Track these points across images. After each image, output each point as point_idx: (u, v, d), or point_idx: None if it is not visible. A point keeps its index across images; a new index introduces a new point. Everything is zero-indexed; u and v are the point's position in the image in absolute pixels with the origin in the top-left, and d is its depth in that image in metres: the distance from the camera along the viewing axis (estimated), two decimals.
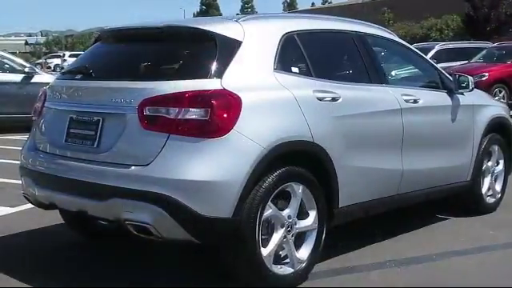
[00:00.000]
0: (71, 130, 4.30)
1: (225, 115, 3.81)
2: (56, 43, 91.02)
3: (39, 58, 66.22)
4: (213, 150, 3.79)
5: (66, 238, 5.39)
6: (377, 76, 5.08)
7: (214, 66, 3.99)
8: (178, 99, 3.82)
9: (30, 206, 6.44)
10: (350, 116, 4.59)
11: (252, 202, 3.88)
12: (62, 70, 4.82)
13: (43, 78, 12.95)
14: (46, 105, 4.59)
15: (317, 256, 4.41)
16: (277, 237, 4.13)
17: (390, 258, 4.79)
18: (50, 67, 46.70)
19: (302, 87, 4.34)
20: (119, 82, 4.08)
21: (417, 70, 6.10)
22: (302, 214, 4.29)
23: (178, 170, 3.75)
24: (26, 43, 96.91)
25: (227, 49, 4.09)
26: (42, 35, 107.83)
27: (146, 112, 3.87)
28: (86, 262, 4.87)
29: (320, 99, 4.40)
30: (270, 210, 4.06)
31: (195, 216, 3.74)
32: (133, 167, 3.85)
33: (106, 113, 4.08)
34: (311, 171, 4.28)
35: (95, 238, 5.26)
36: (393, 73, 5.86)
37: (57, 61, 53.20)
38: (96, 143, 4.10)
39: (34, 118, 4.79)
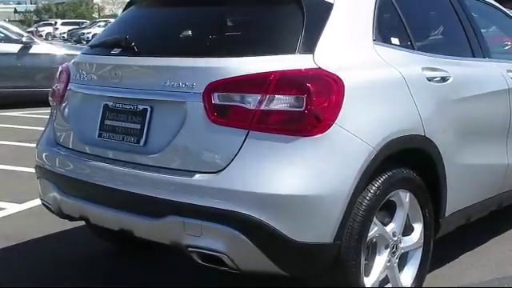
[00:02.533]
0: (107, 122, 3.26)
1: (325, 104, 2.79)
2: (46, 11, 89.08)
3: (29, 26, 64.53)
4: (310, 152, 2.77)
5: (93, 245, 4.40)
6: (479, 48, 4.07)
7: (301, 37, 2.95)
8: (261, 83, 2.80)
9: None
10: (460, 100, 3.60)
11: (355, 219, 2.90)
12: (90, 42, 3.68)
13: (42, 47, 11.88)
14: (70, 87, 3.53)
15: (423, 281, 3.44)
16: (381, 261, 3.16)
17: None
18: (41, 35, 45.16)
19: (408, 64, 3.33)
20: (175, 59, 3.04)
21: None
22: (406, 230, 3.31)
23: (262, 181, 2.75)
24: (16, 11, 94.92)
25: (316, 14, 3.05)
26: (31, 3, 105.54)
27: (215, 100, 2.84)
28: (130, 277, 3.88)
29: (430, 79, 3.39)
30: (376, 228, 3.08)
31: (286, 242, 2.75)
32: (197, 175, 2.84)
33: (156, 100, 3.05)
34: (419, 173, 3.29)
35: (128, 246, 4.25)
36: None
37: (48, 29, 51.57)
38: (143, 140, 3.08)
39: (52, 104, 3.74)
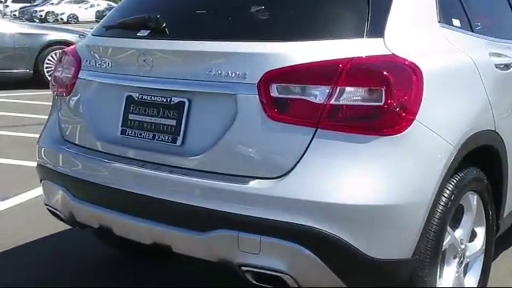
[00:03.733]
0: (131, 117, 2.78)
1: (405, 97, 2.38)
2: None
3: None
4: (389, 154, 2.36)
5: (94, 250, 3.93)
6: None
7: (368, 18, 2.52)
8: (329, 72, 2.36)
9: (28, 196, 5.05)
10: None
11: (431, 229, 2.52)
12: (104, 21, 3.15)
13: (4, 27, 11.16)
14: (80, 75, 3.01)
15: None
16: (450, 273, 2.81)
17: None
18: None
19: (475, 49, 2.95)
20: (221, 43, 2.57)
21: None
22: (471, 236, 2.95)
23: (333, 189, 2.32)
24: None
25: None
26: None
27: (274, 92, 2.40)
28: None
29: (496, 66, 3.00)
30: (449, 237, 2.71)
31: (361, 260, 2.35)
32: (254, 182, 2.40)
33: (196, 92, 2.59)
34: (485, 173, 2.92)
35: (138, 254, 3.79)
36: None
37: None
38: (180, 139, 2.61)
39: (56, 94, 3.23)
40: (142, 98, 2.76)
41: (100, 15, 37.13)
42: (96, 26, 3.26)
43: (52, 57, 11.37)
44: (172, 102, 2.65)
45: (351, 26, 2.52)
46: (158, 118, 2.69)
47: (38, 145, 3.24)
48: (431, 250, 2.52)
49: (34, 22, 32.79)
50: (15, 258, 3.93)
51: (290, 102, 2.39)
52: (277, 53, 2.43)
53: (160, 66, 2.68)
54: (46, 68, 11.41)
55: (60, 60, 3.24)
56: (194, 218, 2.49)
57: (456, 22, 3.01)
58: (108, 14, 3.19)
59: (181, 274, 3.68)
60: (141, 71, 2.71)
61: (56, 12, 40.59)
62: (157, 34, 2.70)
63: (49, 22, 34.51)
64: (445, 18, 2.89)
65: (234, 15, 2.69)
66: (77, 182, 2.90)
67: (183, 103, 2.62)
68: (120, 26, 2.92)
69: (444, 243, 2.64)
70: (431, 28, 2.76)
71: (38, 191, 5.13)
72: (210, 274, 3.32)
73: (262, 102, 2.40)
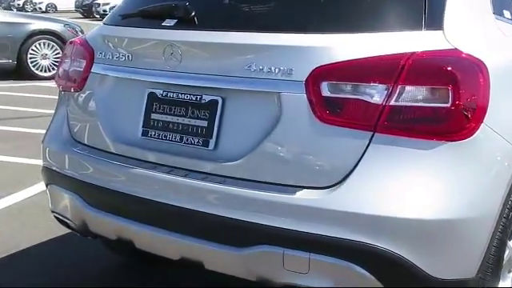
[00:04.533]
0: (154, 116, 2.49)
1: (474, 97, 2.11)
2: None
3: None
4: (457, 162, 2.09)
5: (97, 258, 3.63)
6: None
7: (426, 8, 2.24)
8: (389, 69, 2.09)
9: (21, 196, 4.73)
10: None
11: (493, 243, 2.26)
12: (119, 8, 2.82)
13: None
14: (94, 69, 2.71)
15: None
16: None
17: None
18: None
19: None
20: (262, 34, 2.28)
21: None
22: None
23: (393, 201, 2.05)
24: None
25: None
26: None
27: (325, 91, 2.12)
28: None
29: None
30: (507, 251, 2.45)
31: (424, 280, 2.09)
32: (301, 192, 2.13)
33: (231, 90, 2.30)
34: None
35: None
36: None
37: None
38: (212, 142, 2.33)
39: (63, 90, 2.92)
40: (166, 95, 2.46)
41: (80, 5, 36.53)
42: (109, 14, 2.94)
43: (36, 47, 10.96)
44: (203, 101, 2.36)
45: (407, 17, 2.25)
46: (186, 118, 2.40)
47: (44, 145, 2.93)
48: (493, 266, 2.27)
49: (12, 10, 32.07)
50: (12, 265, 3.61)
51: (342, 102, 2.12)
52: (328, 46, 2.15)
53: (190, 59, 2.38)
54: (30, 58, 11.01)
55: (67, 51, 2.93)
56: (231, 232, 2.21)
57: (507, 14, 2.75)
58: (122, 2, 2.87)
59: (181, 273, 3.44)
60: (167, 65, 2.41)
61: (34, 1, 39.82)
62: (185, 23, 2.41)
63: (27, 11, 33.77)
64: (497, 9, 2.63)
65: (278, 3, 2.40)
66: (92, 189, 2.60)
67: (216, 102, 2.33)
68: (141, 15, 2.62)
69: (505, 256, 2.40)
70: (488, 20, 2.50)
71: (32, 191, 4.84)
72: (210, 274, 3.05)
73: (310, 101, 2.13)
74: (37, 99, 8.62)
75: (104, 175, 2.58)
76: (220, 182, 2.25)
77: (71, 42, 2.94)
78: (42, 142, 2.98)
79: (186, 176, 2.33)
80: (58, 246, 3.87)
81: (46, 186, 2.92)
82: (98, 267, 3.63)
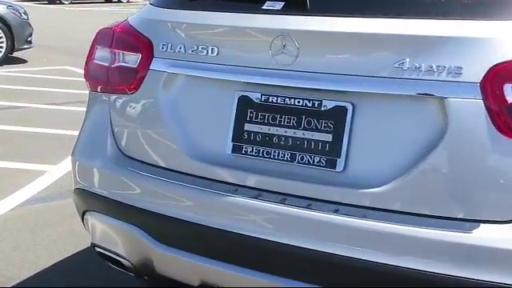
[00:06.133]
0: (249, 128, 1.93)
1: None
2: None
3: None
4: None
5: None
6: None
7: None
8: None
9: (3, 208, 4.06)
10: None
11: None
12: None
13: None
14: (154, 66, 2.10)
15: None
16: None
17: None
18: None
19: None
20: (415, 21, 1.74)
21: None
22: None
23: None
24: None
25: None
26: None
27: (510, 97, 1.61)
28: None
29: None
30: None
31: None
32: (477, 228, 1.62)
33: (367, 93, 1.75)
34: None
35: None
36: None
37: None
38: (341, 162, 1.80)
39: (100, 91, 2.30)
40: (267, 100, 1.90)
41: None
42: None
43: None
44: (324, 108, 1.82)
45: None
46: (298, 129, 1.85)
47: (77, 161, 2.31)
48: None
49: None
50: None
51: None
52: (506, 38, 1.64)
53: (309, 55, 1.83)
54: None
55: (103, 42, 2.30)
56: (382, 282, 1.69)
57: None
58: None
59: None
60: (274, 61, 1.86)
61: None
62: (301, 7, 1.84)
63: None
64: None
65: None
66: (161, 221, 2.02)
67: (343, 109, 1.79)
68: None
69: None
70: None
71: (14, 200, 4.16)
72: None
73: (489, 109, 1.62)
74: None
75: (179, 203, 2.00)
76: (361, 216, 1.71)
77: (113, 30, 2.32)
78: (73, 155, 2.36)
79: (308, 207, 1.78)
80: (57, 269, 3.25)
81: (83, 213, 2.30)
82: None
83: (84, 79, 2.44)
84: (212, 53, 1.97)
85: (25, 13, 10.39)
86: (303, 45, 1.81)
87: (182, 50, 2.04)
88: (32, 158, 5.09)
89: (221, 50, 1.96)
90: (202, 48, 1.99)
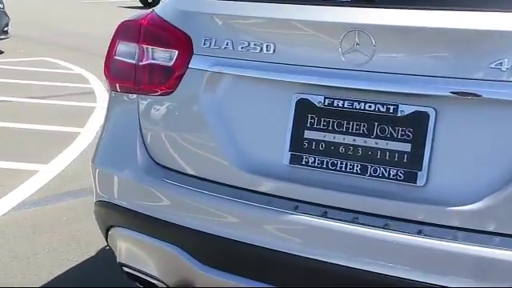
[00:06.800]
0: (310, 135, 1.70)
1: None
2: None
3: None
4: None
5: None
6: None
7: None
8: None
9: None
10: None
11: None
12: None
13: None
14: (193, 64, 1.86)
15: None
16: None
17: None
18: None
19: None
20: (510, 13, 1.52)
21: None
22: None
23: None
24: None
25: None
26: None
27: None
28: None
29: None
30: None
31: None
32: None
33: (448, 97, 1.53)
34: None
35: None
36: None
37: None
38: (423, 176, 1.59)
39: (125, 91, 2.05)
40: (331, 103, 1.67)
41: None
42: None
43: None
44: (400, 113, 1.60)
45: None
46: (370, 138, 1.63)
47: (98, 169, 2.06)
48: None
49: None
50: None
51: None
52: None
53: (387, 53, 1.59)
54: None
55: (128, 36, 2.05)
56: None
57: None
58: None
59: None
60: (342, 60, 1.63)
61: None
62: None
63: None
64: None
65: None
66: (207, 240, 1.78)
67: (425, 115, 1.57)
68: None
69: None
70: None
71: (7, 204, 3.88)
72: None
73: None
74: None
75: (227, 220, 1.76)
76: (451, 238, 1.50)
77: (132, 23, 2.06)
78: (93, 163, 2.10)
79: (386, 228, 1.56)
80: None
81: (108, 228, 2.05)
82: None
83: (105, 78, 2.18)
84: (268, 50, 1.73)
85: (0, 1, 9.97)
86: (381, 42, 1.58)
87: (230, 47, 1.79)
88: (21, 156, 4.79)
89: (278, 47, 1.72)
90: (255, 44, 1.75)
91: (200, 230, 1.79)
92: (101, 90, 6.81)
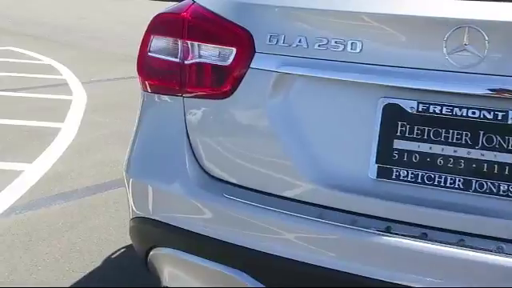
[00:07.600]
0: (399, 145, 1.51)
1: None
2: None
3: None
4: None
5: None
6: None
7: None
8: None
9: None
10: None
11: None
12: None
13: None
14: (255, 64, 1.63)
15: None
16: None
17: None
18: None
19: None
20: None
21: None
22: None
23: None
24: None
25: None
26: None
27: None
28: None
29: None
30: None
31: None
32: None
33: None
34: None
35: None
36: None
37: None
38: None
39: (170, 93, 1.81)
40: (427, 109, 1.48)
41: None
42: None
43: None
44: (511, 121, 1.40)
45: None
46: (474, 149, 1.44)
47: (139, 183, 1.82)
48: None
49: None
50: None
51: None
52: None
53: (499, 52, 1.40)
54: None
55: (170, 32, 1.81)
56: None
57: None
58: None
59: None
60: (449, 61, 1.42)
61: None
62: None
63: None
64: None
65: None
66: (279, 264, 1.56)
67: None
68: None
69: None
70: None
71: None
72: None
73: None
74: None
75: (303, 242, 1.55)
76: None
77: (172, 16, 1.82)
78: (127, 172, 1.86)
79: (499, 251, 1.38)
80: None
81: (150, 248, 1.82)
82: None
83: (137, 76, 1.94)
84: (353, 48, 1.52)
85: None
86: (495, 40, 1.38)
87: (304, 45, 1.57)
88: (1, 155, 4.48)
89: (365, 46, 1.51)
90: (336, 42, 1.53)
91: (269, 253, 1.58)
92: (74, 82, 6.48)
